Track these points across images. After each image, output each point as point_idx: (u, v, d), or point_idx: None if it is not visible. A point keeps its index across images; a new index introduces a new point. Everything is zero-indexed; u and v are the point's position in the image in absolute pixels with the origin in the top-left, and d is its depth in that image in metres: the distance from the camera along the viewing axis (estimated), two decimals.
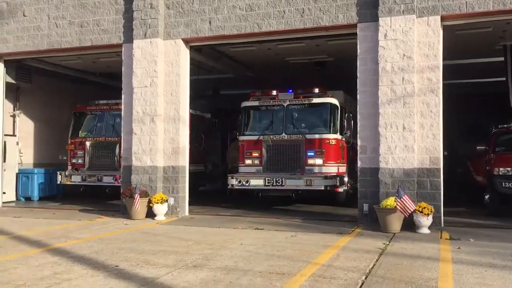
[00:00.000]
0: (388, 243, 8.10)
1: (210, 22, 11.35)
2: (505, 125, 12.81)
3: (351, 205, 11.97)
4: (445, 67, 13.36)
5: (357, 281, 5.60)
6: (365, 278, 5.73)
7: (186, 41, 11.80)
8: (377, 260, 6.73)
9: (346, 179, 12.94)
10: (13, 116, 15.85)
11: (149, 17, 11.58)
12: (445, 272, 6.04)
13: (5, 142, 14.32)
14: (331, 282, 5.54)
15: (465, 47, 12.77)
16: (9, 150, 14.88)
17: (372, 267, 6.30)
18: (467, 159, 15.99)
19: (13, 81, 14.60)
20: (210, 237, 8.71)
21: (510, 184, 10.81)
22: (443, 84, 15.64)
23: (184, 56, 11.83)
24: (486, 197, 11.56)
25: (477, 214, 11.58)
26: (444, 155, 18.81)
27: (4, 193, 14.22)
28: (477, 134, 16.61)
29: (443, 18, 9.79)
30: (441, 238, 8.62)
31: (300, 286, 5.36)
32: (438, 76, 9.78)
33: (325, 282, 5.52)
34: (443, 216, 10.01)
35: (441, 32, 9.84)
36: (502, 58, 13.38)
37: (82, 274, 5.95)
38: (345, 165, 13.14)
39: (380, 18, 9.92)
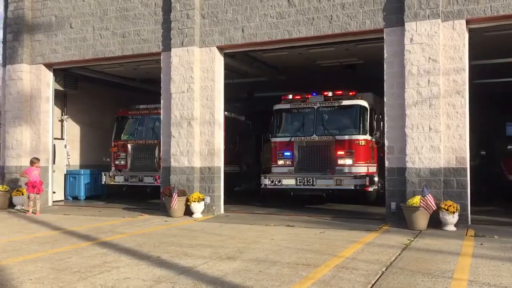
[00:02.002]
0: (412, 239, 8.47)
1: (242, 30, 11.96)
2: None
3: (381, 204, 12.23)
4: (478, 67, 13.48)
5: (377, 272, 6.05)
6: (385, 270, 6.17)
7: (220, 49, 12.46)
8: (399, 254, 7.14)
9: (376, 178, 13.27)
10: (61, 120, 16.97)
11: (186, 26, 12.30)
12: (463, 265, 6.40)
13: (54, 145, 15.38)
14: (353, 272, 6.03)
15: (497, 47, 12.86)
16: (58, 152, 15.99)
17: (394, 260, 6.73)
18: (501, 158, 15.99)
19: (61, 88, 15.68)
20: (243, 233, 9.31)
21: None
22: (478, 84, 15.60)
23: (219, 62, 12.50)
24: None
25: (507, 213, 11.72)
26: (481, 155, 18.81)
27: (54, 192, 15.28)
28: None
29: (468, 22, 10.05)
30: (466, 235, 8.91)
31: (323, 275, 5.87)
32: (463, 78, 10.02)
33: (347, 273, 6.01)
34: (473, 214, 10.28)
35: (466, 35, 10.10)
36: None
37: (128, 263, 6.65)
38: (375, 165, 13.48)
39: (406, 23, 10.27)
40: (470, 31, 10.30)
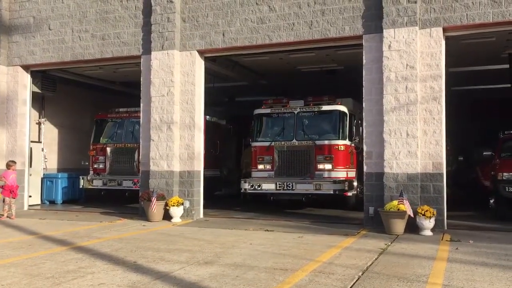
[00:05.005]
0: (389, 243, 8.55)
1: (223, 34, 11.96)
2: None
3: (360, 208, 12.29)
4: (456, 74, 13.68)
5: (353, 276, 6.08)
6: (362, 274, 6.21)
7: (201, 52, 12.42)
8: (376, 259, 7.19)
9: (355, 183, 13.37)
10: (39, 123, 16.70)
11: (166, 30, 12.24)
12: (438, 270, 6.48)
13: (31, 148, 15.12)
14: (329, 276, 6.05)
15: (473, 55, 13.12)
16: (34, 156, 15.71)
17: (370, 265, 6.77)
18: (477, 165, 16.23)
19: (39, 91, 15.41)
20: (222, 237, 9.27)
21: None
22: (457, 91, 15.82)
23: (199, 66, 12.46)
24: (491, 201, 11.88)
25: (483, 218, 11.91)
26: (459, 160, 19.06)
27: (30, 196, 15.00)
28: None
29: (445, 30, 10.23)
30: (442, 239, 9.02)
31: (300, 280, 5.88)
32: (440, 85, 10.17)
33: (323, 277, 6.03)
34: (449, 219, 10.42)
35: (443, 42, 10.27)
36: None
37: (104, 268, 6.56)
38: (354, 170, 13.57)
39: (384, 30, 10.39)
40: (447, 38, 10.49)
